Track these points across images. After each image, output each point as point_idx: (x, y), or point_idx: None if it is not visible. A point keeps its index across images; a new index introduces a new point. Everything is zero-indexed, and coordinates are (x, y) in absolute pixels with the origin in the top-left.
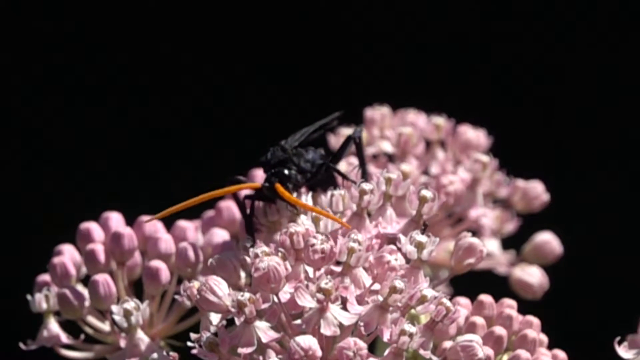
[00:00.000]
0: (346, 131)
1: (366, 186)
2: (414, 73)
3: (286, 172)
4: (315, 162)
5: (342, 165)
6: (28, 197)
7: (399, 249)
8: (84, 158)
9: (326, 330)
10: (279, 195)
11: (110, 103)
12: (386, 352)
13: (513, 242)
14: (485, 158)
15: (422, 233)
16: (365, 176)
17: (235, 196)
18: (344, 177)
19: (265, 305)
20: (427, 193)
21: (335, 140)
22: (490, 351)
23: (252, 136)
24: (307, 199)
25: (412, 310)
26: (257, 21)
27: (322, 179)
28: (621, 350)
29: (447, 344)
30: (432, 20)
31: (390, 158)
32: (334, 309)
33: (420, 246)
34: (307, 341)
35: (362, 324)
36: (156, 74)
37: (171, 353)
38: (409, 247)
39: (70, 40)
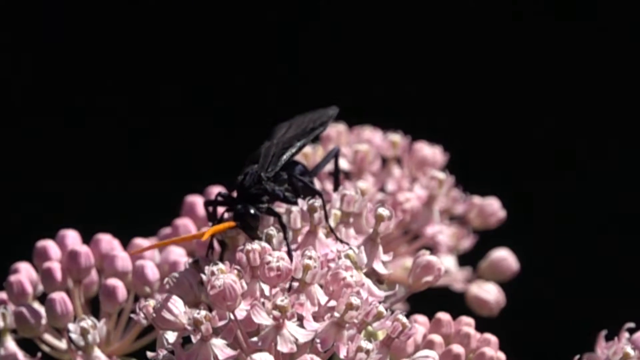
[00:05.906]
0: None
1: (316, 203)
2: (368, 92)
3: (252, 211)
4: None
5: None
6: None
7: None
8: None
9: (283, 347)
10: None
11: (65, 116)
12: None
13: (469, 259)
14: (441, 175)
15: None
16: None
17: (206, 207)
18: (310, 188)
19: (221, 323)
20: (384, 211)
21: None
22: None
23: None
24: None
25: (369, 327)
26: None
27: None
28: None
29: None
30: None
31: (347, 175)
32: (291, 326)
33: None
34: (264, 358)
35: (318, 340)
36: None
37: None
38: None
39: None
